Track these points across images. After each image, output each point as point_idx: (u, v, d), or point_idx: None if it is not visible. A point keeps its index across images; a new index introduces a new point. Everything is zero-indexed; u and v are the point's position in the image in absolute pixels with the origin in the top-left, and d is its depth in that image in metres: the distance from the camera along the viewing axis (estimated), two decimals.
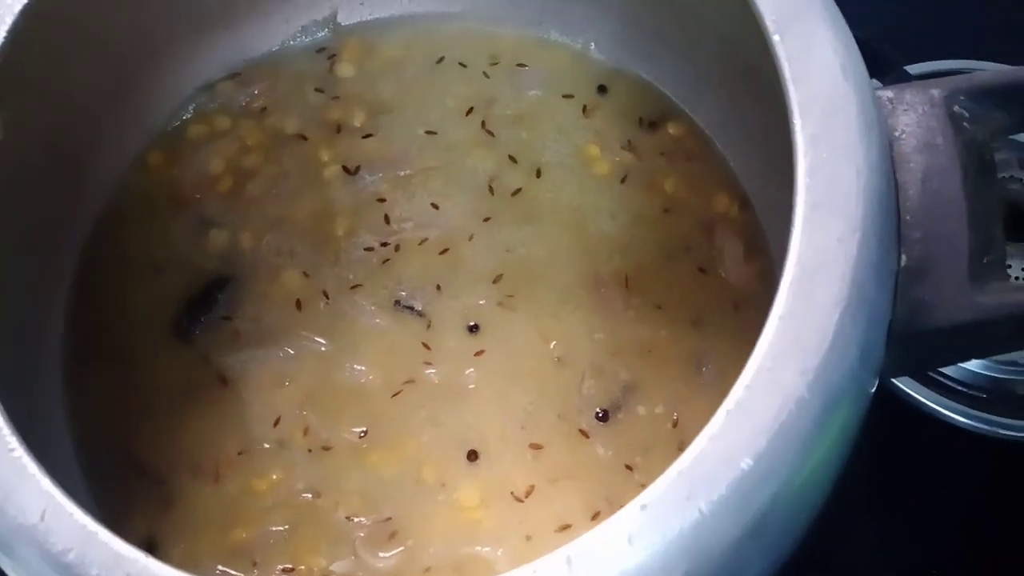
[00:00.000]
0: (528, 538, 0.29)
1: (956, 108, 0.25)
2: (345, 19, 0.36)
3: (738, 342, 0.29)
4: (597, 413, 0.30)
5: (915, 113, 0.24)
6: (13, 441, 0.21)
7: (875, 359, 0.22)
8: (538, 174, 0.34)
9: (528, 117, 0.35)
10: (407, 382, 0.31)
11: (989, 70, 0.34)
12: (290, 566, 0.29)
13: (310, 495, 0.30)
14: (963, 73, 0.27)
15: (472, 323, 0.32)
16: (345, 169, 0.34)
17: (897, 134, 0.24)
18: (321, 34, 0.36)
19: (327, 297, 0.32)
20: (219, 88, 0.35)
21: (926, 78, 0.36)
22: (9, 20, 0.26)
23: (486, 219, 0.33)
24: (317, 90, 0.35)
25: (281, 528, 0.29)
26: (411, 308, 0.32)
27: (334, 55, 0.36)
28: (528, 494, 0.29)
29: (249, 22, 0.35)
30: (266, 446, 0.30)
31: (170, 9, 0.33)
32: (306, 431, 0.30)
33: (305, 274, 0.32)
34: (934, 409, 0.37)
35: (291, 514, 0.29)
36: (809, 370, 0.20)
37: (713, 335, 0.31)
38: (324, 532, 0.29)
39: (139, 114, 0.34)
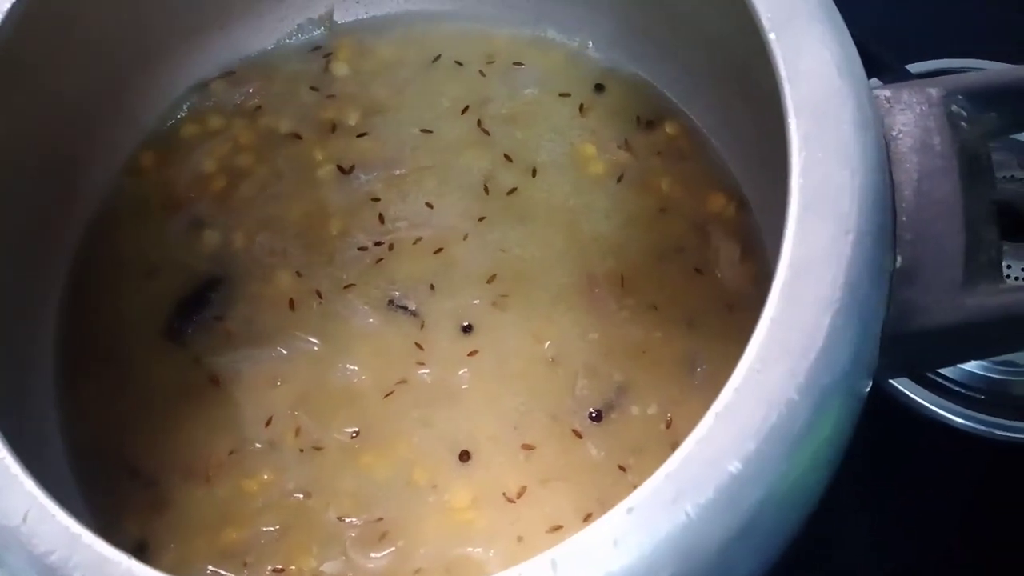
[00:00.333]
0: (520, 539, 0.29)
1: (954, 107, 0.24)
2: (341, 17, 0.36)
3: (733, 343, 0.29)
4: (590, 413, 0.30)
5: (912, 112, 0.24)
6: None
7: (868, 362, 0.22)
8: (533, 173, 0.34)
9: (524, 116, 0.34)
10: (400, 382, 0.31)
11: (987, 69, 0.34)
12: (281, 567, 0.29)
13: (301, 496, 0.29)
14: (962, 72, 0.27)
15: (466, 323, 0.32)
16: (340, 168, 0.34)
17: (894, 133, 0.24)
18: (317, 32, 0.36)
19: (320, 297, 0.32)
20: (213, 87, 0.35)
21: (927, 76, 0.36)
22: (5, 8, 0.25)
23: (480, 219, 0.33)
24: (312, 89, 0.35)
25: (272, 529, 0.29)
26: (404, 308, 0.32)
27: (329, 54, 0.36)
28: (520, 495, 0.29)
29: (244, 21, 0.35)
30: (257, 446, 0.30)
31: (164, 8, 0.33)
32: (298, 431, 0.30)
33: (298, 274, 0.32)
34: (930, 410, 0.37)
35: (282, 515, 0.29)
36: (799, 373, 0.20)
37: (707, 336, 0.31)
38: (315, 533, 0.29)
39: (132, 114, 0.34)
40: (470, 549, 0.28)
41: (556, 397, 0.30)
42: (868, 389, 0.23)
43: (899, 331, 0.23)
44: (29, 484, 0.20)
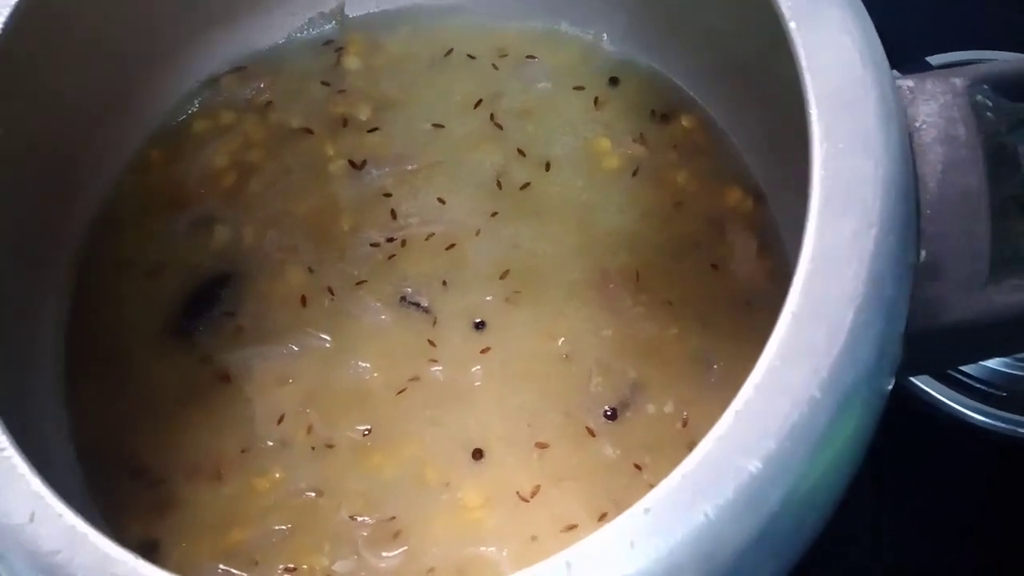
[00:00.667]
0: (533, 539, 0.28)
1: (979, 98, 0.24)
2: (352, 11, 0.36)
3: (749, 341, 0.28)
4: (605, 411, 0.30)
5: (936, 103, 0.23)
6: (3, 440, 0.21)
7: (891, 359, 0.21)
8: (547, 168, 0.33)
9: (537, 110, 0.34)
10: (412, 380, 0.31)
11: (1012, 59, 0.33)
12: (292, 566, 0.28)
13: (313, 494, 0.29)
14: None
15: (478, 320, 0.31)
16: (351, 164, 0.34)
17: (917, 124, 0.23)
18: (327, 27, 0.36)
19: (332, 293, 0.32)
20: (223, 83, 0.35)
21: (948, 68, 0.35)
22: (5, 14, 0.25)
23: (493, 214, 0.33)
24: (323, 84, 0.35)
25: (283, 527, 0.29)
26: (417, 304, 0.32)
27: (341, 48, 0.35)
28: (534, 494, 0.29)
29: (254, 15, 0.35)
30: (269, 444, 0.30)
31: (173, 4, 0.33)
32: (309, 429, 0.30)
33: (309, 270, 0.32)
34: (950, 406, 0.37)
35: (293, 513, 0.29)
36: (821, 369, 0.19)
37: (723, 333, 0.30)
38: (326, 531, 0.29)
39: (142, 110, 0.34)
40: (483, 549, 0.28)
41: (570, 395, 0.30)
42: (891, 387, 0.22)
43: (923, 327, 0.22)
44: (36, 483, 0.20)
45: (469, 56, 0.35)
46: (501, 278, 0.32)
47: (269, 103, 0.35)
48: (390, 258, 0.32)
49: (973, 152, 0.23)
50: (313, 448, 0.30)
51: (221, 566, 0.28)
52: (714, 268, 0.32)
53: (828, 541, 0.22)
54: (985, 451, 0.37)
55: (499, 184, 0.33)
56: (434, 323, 0.31)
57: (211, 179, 0.33)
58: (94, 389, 0.31)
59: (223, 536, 0.29)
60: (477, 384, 0.30)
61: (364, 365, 0.31)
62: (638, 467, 0.29)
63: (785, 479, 0.19)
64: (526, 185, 0.33)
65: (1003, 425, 0.36)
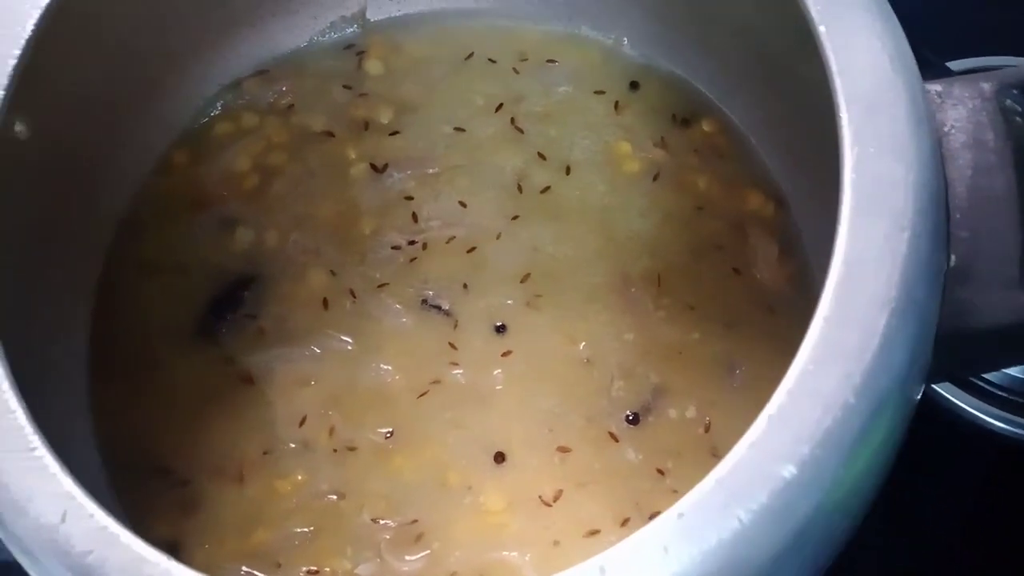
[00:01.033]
0: (556, 543, 0.28)
1: (1008, 102, 0.24)
2: (374, 15, 0.36)
3: (771, 345, 0.28)
4: (627, 416, 0.30)
5: (964, 108, 0.23)
6: (35, 440, 0.21)
7: (923, 364, 0.21)
8: (567, 172, 0.33)
9: (558, 114, 0.34)
10: (433, 383, 0.31)
11: None
12: (314, 568, 0.28)
13: (335, 496, 0.29)
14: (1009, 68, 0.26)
15: (499, 323, 0.31)
16: (372, 167, 0.34)
17: (946, 129, 0.23)
18: (349, 30, 0.36)
19: (353, 296, 0.32)
20: (246, 85, 0.35)
21: (968, 74, 0.35)
22: (35, 17, 0.25)
23: (514, 217, 0.33)
24: (345, 87, 0.35)
25: (305, 530, 0.29)
26: (438, 307, 0.32)
27: (362, 51, 0.35)
28: (556, 499, 0.29)
29: (277, 19, 0.35)
30: (291, 446, 0.30)
31: (196, 6, 0.33)
32: (331, 431, 0.30)
33: (331, 272, 0.32)
34: (971, 413, 0.36)
35: (315, 516, 0.29)
36: (855, 374, 0.19)
37: (745, 337, 0.30)
38: (349, 534, 0.29)
39: (164, 113, 0.34)
40: (505, 553, 0.28)
41: (591, 399, 0.30)
42: (920, 394, 0.22)
43: (953, 332, 0.22)
44: (68, 483, 0.20)
45: (490, 60, 0.35)
46: (522, 281, 0.32)
47: (291, 106, 0.35)
48: (411, 261, 0.32)
49: (1002, 157, 0.23)
50: (335, 450, 0.30)
51: (244, 568, 0.28)
52: (736, 272, 0.31)
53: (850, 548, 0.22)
54: (1005, 457, 0.36)
55: (520, 188, 0.33)
56: (455, 326, 0.31)
57: (233, 181, 0.33)
58: (117, 389, 0.31)
59: (246, 538, 0.29)
60: (498, 388, 0.30)
61: (386, 368, 0.31)
62: (661, 472, 0.29)
63: (819, 485, 0.19)
64: (547, 189, 0.33)
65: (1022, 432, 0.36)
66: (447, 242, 0.32)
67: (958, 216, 0.23)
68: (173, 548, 0.29)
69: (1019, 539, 0.36)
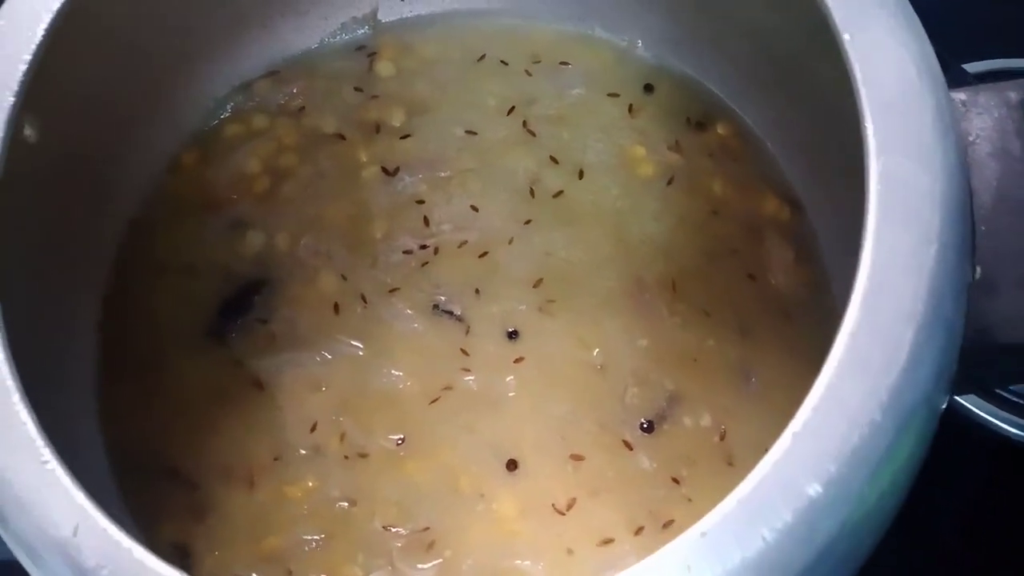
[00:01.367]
0: (569, 552, 0.28)
1: None
2: (385, 16, 0.36)
3: (787, 351, 0.28)
4: (642, 423, 0.29)
5: (990, 117, 0.23)
6: (47, 453, 0.21)
7: (949, 379, 0.21)
8: (580, 175, 0.33)
9: (570, 117, 0.34)
10: (445, 388, 0.30)
11: None
12: None
13: (346, 503, 0.29)
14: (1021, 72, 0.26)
15: (511, 329, 0.31)
16: (384, 170, 0.33)
17: (971, 139, 0.23)
18: (360, 32, 0.36)
19: (364, 301, 0.32)
20: (256, 87, 0.35)
21: (984, 77, 0.34)
22: (47, 20, 0.25)
23: (526, 222, 0.32)
24: (356, 89, 0.35)
25: (317, 536, 0.29)
26: (450, 312, 0.31)
27: (374, 53, 0.35)
28: (569, 507, 0.28)
29: (287, 20, 0.35)
30: (301, 452, 0.30)
31: (207, 8, 0.33)
32: (342, 437, 0.30)
33: (342, 277, 0.32)
34: (990, 422, 0.36)
35: (326, 522, 0.29)
36: (881, 390, 0.19)
37: (761, 344, 0.30)
38: (360, 541, 0.29)
39: (174, 115, 0.34)
40: (518, 561, 0.28)
41: (605, 406, 0.30)
42: (944, 407, 0.22)
43: (978, 346, 0.22)
44: (80, 497, 0.20)
45: (502, 62, 0.35)
46: (534, 287, 0.31)
47: (302, 108, 0.34)
48: (423, 265, 0.32)
49: None
50: (346, 456, 0.30)
51: (255, 574, 0.28)
52: (751, 278, 0.31)
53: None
54: (1005, 457, 0.36)
55: (532, 191, 0.33)
56: (467, 332, 0.31)
57: (244, 183, 0.33)
58: (128, 391, 0.31)
59: (257, 544, 0.28)
60: (511, 394, 0.30)
61: (397, 373, 0.31)
62: (675, 480, 0.29)
63: (844, 502, 0.18)
64: (559, 193, 0.33)
65: None
66: (459, 246, 0.32)
67: (983, 227, 0.22)
68: (183, 553, 0.28)
69: (1021, 541, 0.35)
